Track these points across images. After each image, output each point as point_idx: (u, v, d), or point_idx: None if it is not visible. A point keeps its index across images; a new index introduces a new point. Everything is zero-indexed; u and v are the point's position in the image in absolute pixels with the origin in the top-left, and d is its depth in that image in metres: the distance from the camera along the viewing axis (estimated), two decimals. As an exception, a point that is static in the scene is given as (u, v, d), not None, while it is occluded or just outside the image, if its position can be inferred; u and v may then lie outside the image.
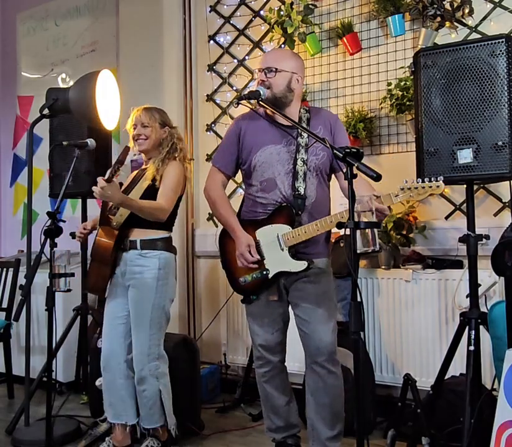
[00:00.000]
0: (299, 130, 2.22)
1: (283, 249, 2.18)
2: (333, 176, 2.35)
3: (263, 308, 2.31)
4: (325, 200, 2.31)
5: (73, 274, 2.35)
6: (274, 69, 2.20)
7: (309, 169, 2.22)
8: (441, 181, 1.87)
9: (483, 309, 2.19)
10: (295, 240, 2.15)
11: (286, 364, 2.42)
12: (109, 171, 2.23)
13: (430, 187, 1.88)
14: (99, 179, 2.21)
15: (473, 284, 2.18)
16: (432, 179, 1.88)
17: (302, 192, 2.20)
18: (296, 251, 2.19)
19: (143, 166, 2.63)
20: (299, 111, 2.30)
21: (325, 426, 2.25)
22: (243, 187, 3.49)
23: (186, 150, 2.63)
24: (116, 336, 2.53)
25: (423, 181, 1.89)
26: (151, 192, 2.45)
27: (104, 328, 2.57)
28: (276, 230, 2.20)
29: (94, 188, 2.22)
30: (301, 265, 2.16)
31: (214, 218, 3.73)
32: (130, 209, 2.36)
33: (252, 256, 2.21)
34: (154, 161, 2.52)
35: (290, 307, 2.33)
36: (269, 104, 2.15)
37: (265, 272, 2.22)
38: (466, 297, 2.24)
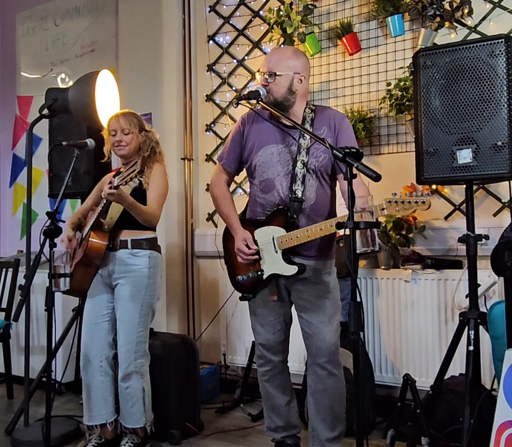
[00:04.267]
0: (302, 131, 2.20)
1: (276, 252, 2.19)
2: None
3: (264, 308, 2.32)
4: (327, 202, 2.25)
5: (72, 274, 2.36)
6: (273, 74, 2.17)
7: (309, 171, 2.19)
8: (428, 198, 1.87)
9: (483, 309, 2.18)
10: (288, 244, 2.15)
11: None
12: (120, 178, 2.23)
13: (416, 202, 1.86)
14: (106, 188, 2.24)
15: (473, 284, 2.18)
16: (420, 194, 1.88)
17: (300, 195, 2.18)
18: (291, 253, 2.18)
19: (122, 169, 2.63)
20: (304, 111, 2.26)
21: (326, 428, 2.25)
22: (243, 187, 3.52)
23: (164, 153, 2.68)
24: (99, 334, 2.56)
25: (411, 195, 1.89)
26: (138, 194, 2.47)
27: (86, 327, 2.59)
28: (272, 232, 2.20)
29: (107, 189, 2.25)
30: (292, 269, 2.16)
31: (213, 218, 3.73)
32: (133, 212, 2.40)
33: (249, 248, 2.22)
34: (135, 164, 2.52)
35: (293, 308, 2.34)
36: (269, 104, 2.14)
37: (259, 273, 2.23)
38: (466, 297, 2.23)
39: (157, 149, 2.62)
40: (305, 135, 2.20)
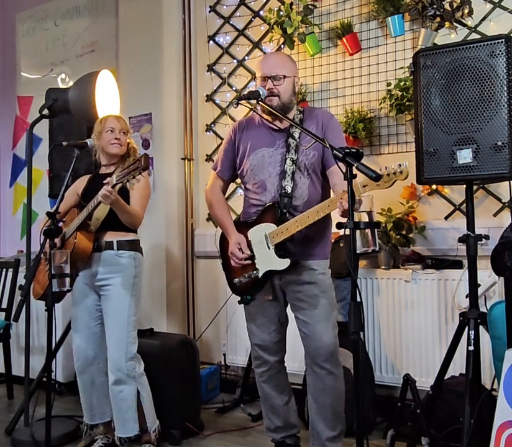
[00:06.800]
0: (291, 131, 2.24)
1: (269, 248, 2.20)
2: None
3: (258, 308, 2.32)
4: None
5: (72, 274, 2.35)
6: (281, 76, 2.20)
7: (299, 169, 2.22)
8: (404, 167, 1.84)
9: (483, 309, 2.18)
10: (279, 238, 2.16)
11: (286, 364, 2.42)
12: (119, 176, 2.22)
13: (394, 173, 1.85)
14: (107, 188, 2.25)
15: (473, 284, 2.17)
16: (396, 165, 1.85)
17: (289, 191, 2.21)
18: (286, 251, 2.19)
19: (106, 171, 2.64)
20: (293, 112, 2.30)
21: (326, 427, 2.26)
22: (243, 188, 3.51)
23: None
24: (94, 337, 2.56)
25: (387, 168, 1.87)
26: (122, 194, 2.45)
27: (79, 332, 2.58)
28: (264, 229, 2.22)
29: (103, 191, 2.25)
30: (285, 263, 2.16)
31: (214, 218, 3.73)
32: (120, 212, 2.42)
33: (242, 253, 2.23)
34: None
35: (289, 308, 2.33)
36: (268, 105, 2.15)
37: (255, 272, 2.24)
38: (466, 297, 2.23)
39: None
40: (294, 134, 2.24)
